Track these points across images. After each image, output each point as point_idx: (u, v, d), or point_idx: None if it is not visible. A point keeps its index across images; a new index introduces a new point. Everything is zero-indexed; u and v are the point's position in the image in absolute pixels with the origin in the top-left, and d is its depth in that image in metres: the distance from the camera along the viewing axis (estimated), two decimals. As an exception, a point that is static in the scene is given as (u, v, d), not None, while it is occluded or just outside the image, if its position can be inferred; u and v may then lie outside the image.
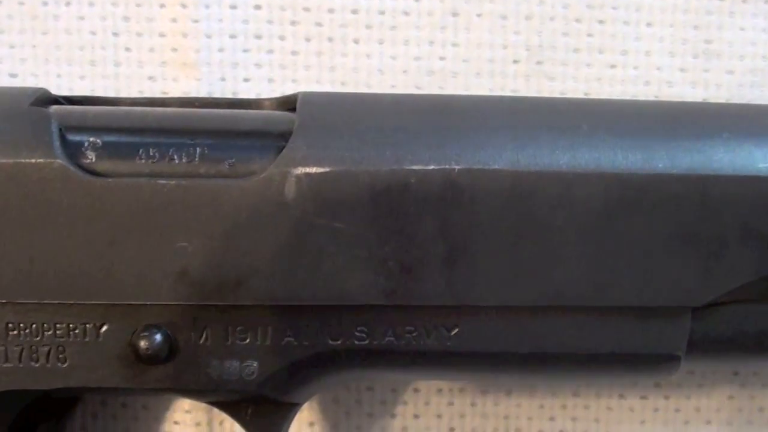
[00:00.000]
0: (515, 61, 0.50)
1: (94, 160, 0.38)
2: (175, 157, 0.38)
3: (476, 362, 0.41)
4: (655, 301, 0.39)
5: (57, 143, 0.38)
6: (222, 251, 0.38)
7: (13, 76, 0.49)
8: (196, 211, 0.38)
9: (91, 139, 0.38)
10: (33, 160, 0.37)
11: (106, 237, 0.38)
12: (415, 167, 0.38)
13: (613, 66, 0.51)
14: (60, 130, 0.38)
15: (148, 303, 0.38)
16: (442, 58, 0.50)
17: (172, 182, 0.38)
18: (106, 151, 0.38)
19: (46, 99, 0.40)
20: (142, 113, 0.41)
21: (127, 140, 0.39)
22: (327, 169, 0.38)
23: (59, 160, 0.37)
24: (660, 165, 0.38)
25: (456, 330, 0.40)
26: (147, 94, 0.49)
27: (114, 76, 0.50)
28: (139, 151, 0.38)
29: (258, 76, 0.50)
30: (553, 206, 0.38)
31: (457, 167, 0.38)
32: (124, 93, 0.49)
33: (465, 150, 0.38)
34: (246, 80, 0.50)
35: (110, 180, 0.38)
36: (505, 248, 0.38)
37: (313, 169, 0.38)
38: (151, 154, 0.38)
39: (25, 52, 0.50)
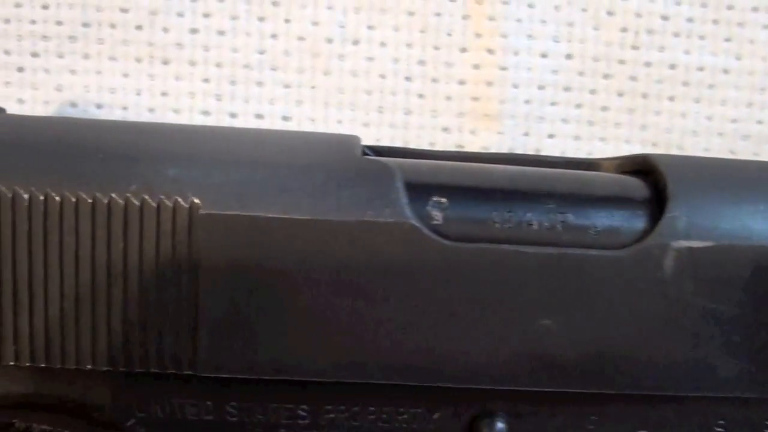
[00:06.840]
0: (839, 131, 0.48)
1: (441, 221, 0.34)
2: (534, 222, 0.35)
3: None
4: None
5: (405, 200, 0.34)
6: (587, 332, 0.35)
7: (286, 119, 0.46)
8: (561, 285, 0.34)
9: (436, 197, 0.35)
10: (381, 220, 0.33)
11: (452, 309, 0.34)
12: None
13: None
14: (406, 185, 0.34)
15: (494, 388, 0.35)
16: (759, 122, 0.48)
17: (531, 250, 0.34)
18: (455, 212, 0.35)
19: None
20: (489, 171, 0.37)
21: (477, 201, 0.35)
22: (710, 244, 0.35)
23: (411, 221, 0.33)
24: None
25: None
26: (439, 147, 0.46)
27: (403, 126, 0.46)
28: (491, 213, 0.35)
29: (563, 132, 0.47)
30: None
31: None
32: (412, 144, 0.46)
33: None
34: (550, 136, 0.47)
35: (470, 245, 0.34)
36: None
37: (696, 243, 0.35)
38: (505, 217, 0.35)
39: (302, 93, 0.46)
